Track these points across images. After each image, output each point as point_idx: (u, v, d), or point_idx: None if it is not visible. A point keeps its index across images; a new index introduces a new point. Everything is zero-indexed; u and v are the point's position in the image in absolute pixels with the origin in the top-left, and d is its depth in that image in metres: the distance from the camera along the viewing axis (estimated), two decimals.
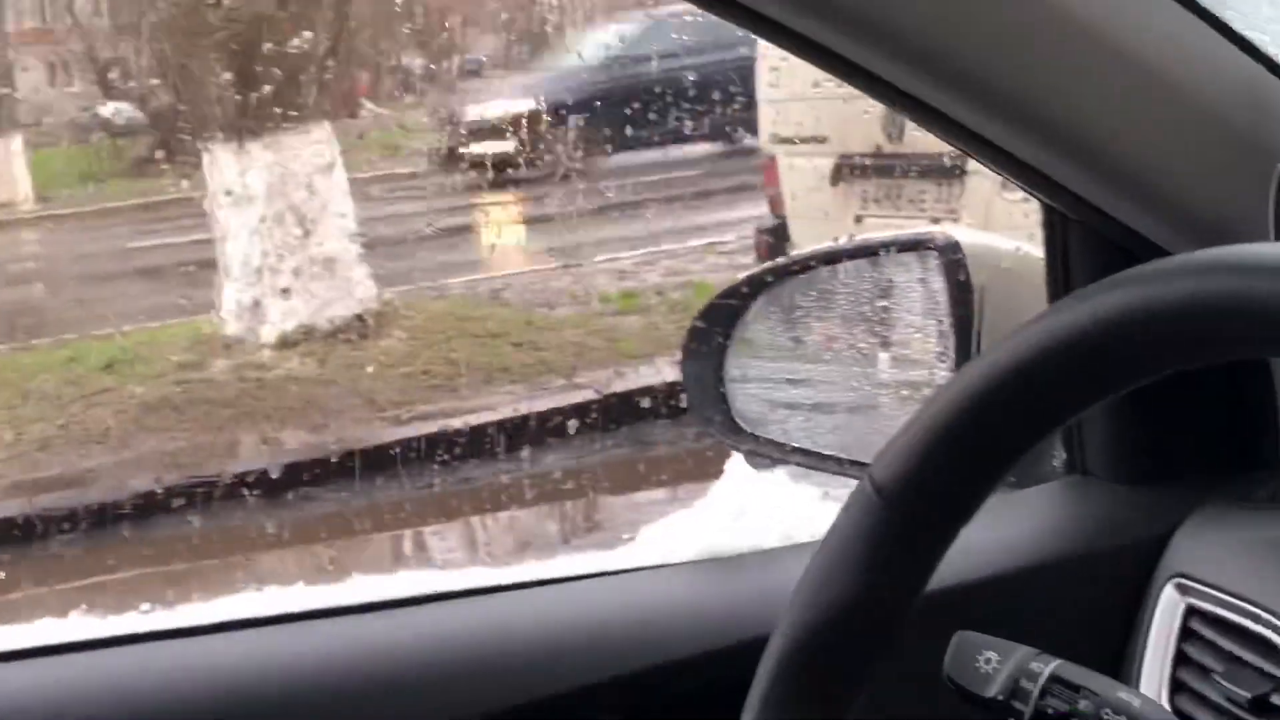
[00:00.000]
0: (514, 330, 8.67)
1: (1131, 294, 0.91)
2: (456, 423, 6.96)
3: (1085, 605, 1.48)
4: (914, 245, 1.65)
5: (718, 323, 1.73)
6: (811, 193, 7.13)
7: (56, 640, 1.38)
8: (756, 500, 1.50)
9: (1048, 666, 1.05)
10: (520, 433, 6.75)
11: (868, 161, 6.85)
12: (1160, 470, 1.53)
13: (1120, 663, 1.45)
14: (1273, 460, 1.49)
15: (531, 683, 1.38)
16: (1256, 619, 1.33)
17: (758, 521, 1.49)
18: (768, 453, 1.64)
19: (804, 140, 7.32)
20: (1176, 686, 1.40)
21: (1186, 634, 1.41)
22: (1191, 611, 1.41)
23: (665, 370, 6.91)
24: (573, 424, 6.80)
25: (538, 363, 8.10)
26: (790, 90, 7.18)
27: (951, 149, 1.45)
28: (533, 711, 1.37)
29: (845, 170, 7.03)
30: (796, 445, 1.67)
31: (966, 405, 0.97)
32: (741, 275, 1.74)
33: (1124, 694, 1.04)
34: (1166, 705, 1.39)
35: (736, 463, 1.55)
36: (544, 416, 6.92)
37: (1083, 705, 1.04)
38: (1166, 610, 1.43)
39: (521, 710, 1.37)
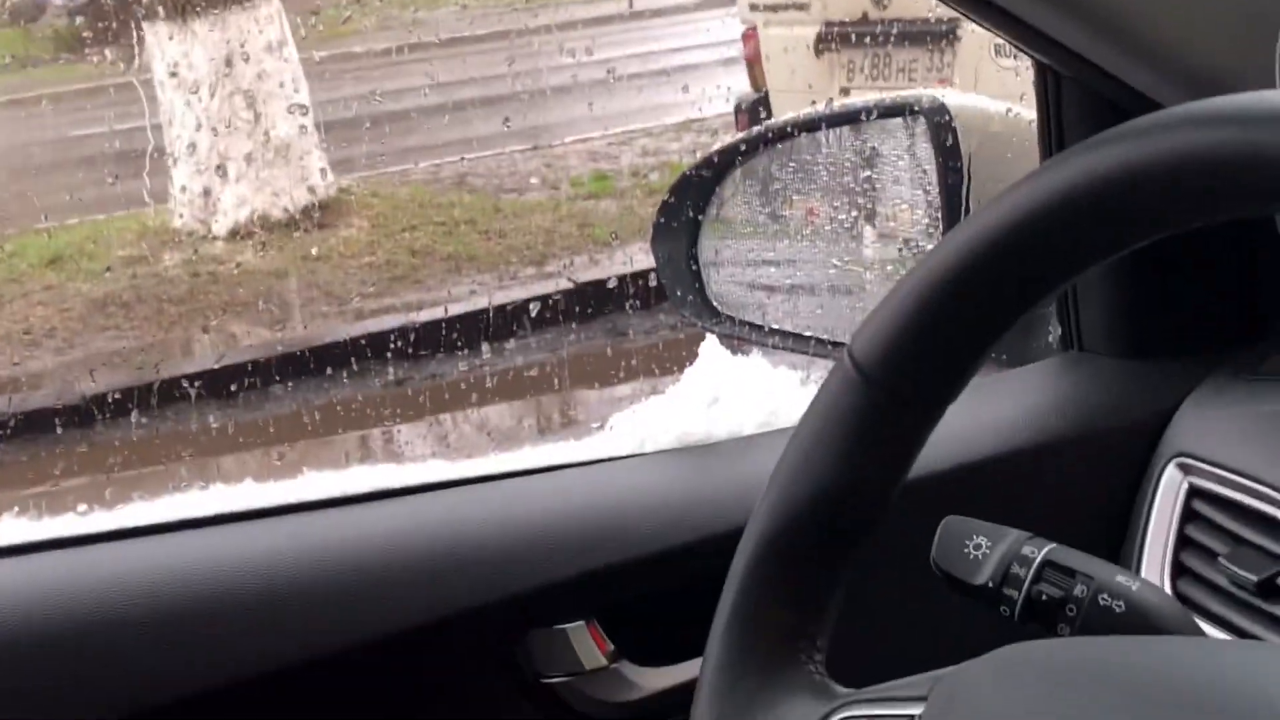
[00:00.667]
0: (481, 217, 8.63)
1: (1127, 148, 0.89)
2: (422, 315, 6.95)
3: (1082, 488, 1.48)
4: (899, 110, 1.64)
5: (690, 198, 1.72)
6: (793, 64, 7.07)
7: None
8: (732, 385, 1.49)
9: (1041, 551, 1.05)
10: (489, 324, 6.74)
11: (853, 29, 6.79)
12: (1161, 344, 1.52)
13: (1119, 547, 1.45)
14: None
15: (498, 579, 1.38)
16: (1264, 498, 1.33)
17: (734, 408, 1.48)
18: (744, 335, 1.63)
19: (783, 7, 7.27)
20: (1179, 570, 1.40)
21: (1189, 515, 1.41)
22: (1194, 492, 1.41)
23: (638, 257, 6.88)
24: (545, 314, 6.80)
25: (506, 250, 8.07)
26: None
27: (942, 9, 1.43)
28: (500, 609, 1.38)
29: (829, 39, 6.97)
30: (775, 327, 1.66)
31: (951, 274, 0.96)
32: (714, 146, 1.72)
33: (1122, 578, 1.04)
34: (1168, 590, 1.40)
35: (711, 346, 1.53)
36: (515, 306, 6.91)
37: (1078, 590, 1.03)
38: (1168, 491, 1.42)
39: (489, 608, 1.37)
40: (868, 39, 6.75)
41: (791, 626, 1.01)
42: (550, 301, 6.97)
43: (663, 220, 1.74)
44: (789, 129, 1.70)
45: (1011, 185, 0.95)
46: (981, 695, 0.91)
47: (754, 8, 7.67)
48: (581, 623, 1.40)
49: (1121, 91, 1.38)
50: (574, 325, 6.77)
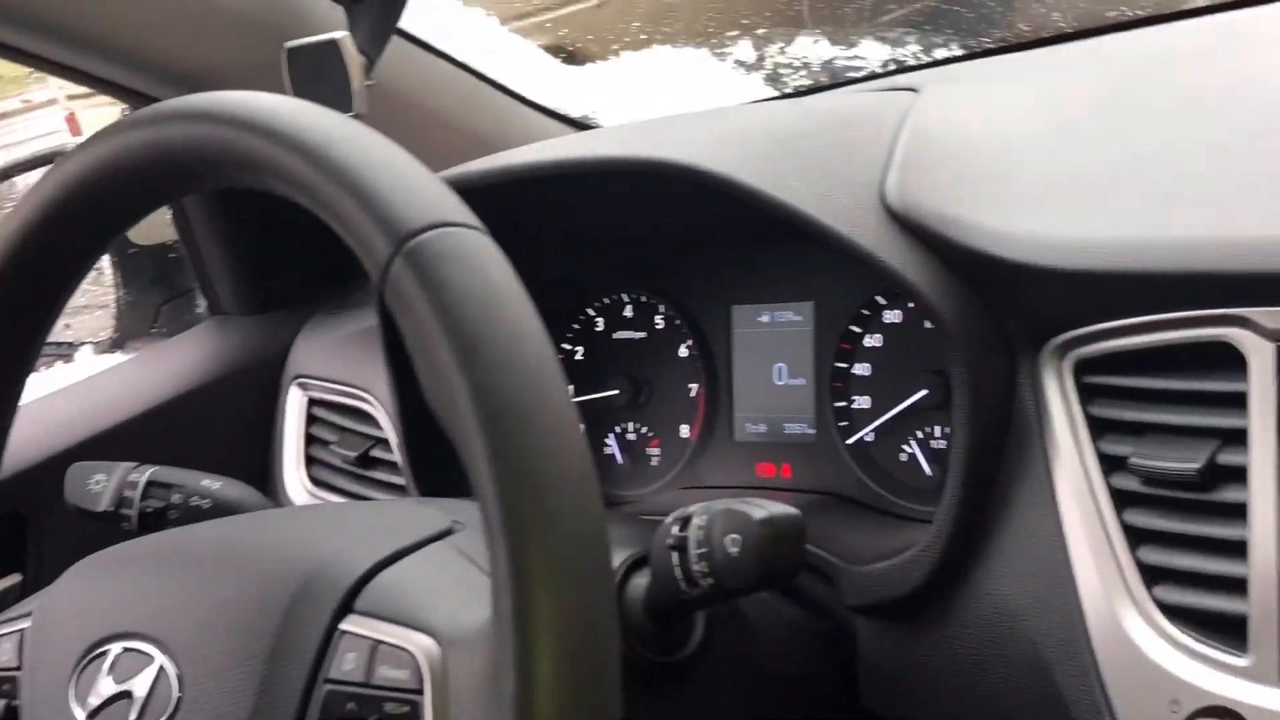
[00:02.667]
0: None
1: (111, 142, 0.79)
2: None
3: (235, 416, 1.39)
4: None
5: None
6: None
7: None
8: None
9: (145, 474, 0.96)
10: None
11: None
12: (276, 300, 1.45)
13: (268, 453, 1.38)
14: (358, 272, 1.45)
15: None
16: (354, 395, 1.30)
17: None
18: None
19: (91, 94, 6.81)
20: (310, 460, 1.35)
21: (311, 419, 1.36)
22: (313, 402, 1.36)
23: None
24: None
25: None
26: None
27: None
28: None
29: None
30: None
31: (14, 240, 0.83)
32: None
33: (206, 481, 0.97)
34: (306, 478, 1.34)
35: None
36: None
37: (175, 498, 0.96)
38: (294, 405, 1.36)
39: None
40: None
41: None
42: None
43: None
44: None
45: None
46: (62, 595, 0.81)
47: (70, 98, 7.13)
48: None
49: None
50: None
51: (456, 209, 0.66)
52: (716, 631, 0.82)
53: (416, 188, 0.67)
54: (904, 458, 1.07)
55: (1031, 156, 0.92)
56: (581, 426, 0.62)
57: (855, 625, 0.95)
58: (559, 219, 1.16)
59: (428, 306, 0.63)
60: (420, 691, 0.63)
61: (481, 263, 0.64)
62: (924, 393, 1.04)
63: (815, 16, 1.44)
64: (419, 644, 0.65)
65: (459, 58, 1.48)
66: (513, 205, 1.10)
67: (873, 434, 1.08)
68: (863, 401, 1.09)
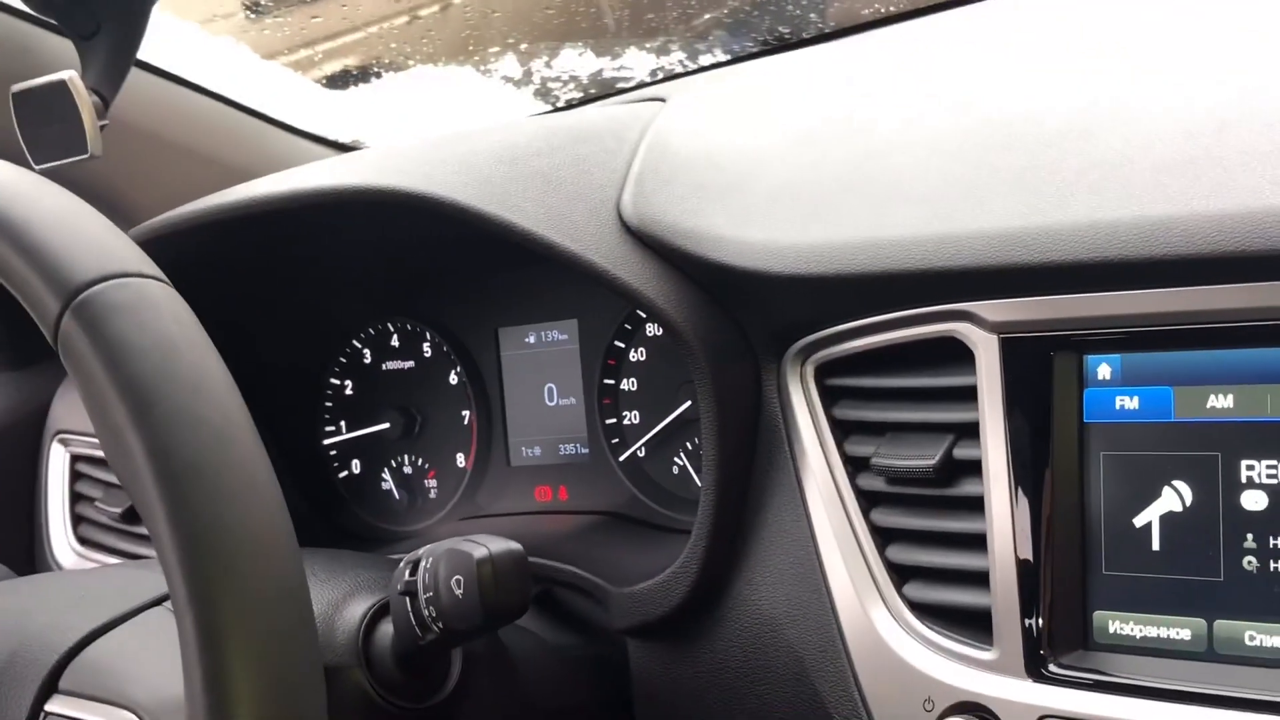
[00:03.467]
0: None
1: None
2: None
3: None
4: None
5: None
6: None
7: None
8: None
9: None
10: None
11: None
12: (34, 354, 1.38)
13: (34, 513, 1.31)
14: None
15: None
16: None
17: None
18: None
19: None
20: (78, 519, 1.28)
21: (77, 476, 1.29)
22: (76, 458, 1.29)
23: None
24: None
25: None
26: None
27: None
28: None
29: None
30: None
31: None
32: None
33: None
34: (73, 538, 1.27)
35: None
36: None
37: None
38: (56, 462, 1.29)
39: None
40: None
41: None
42: None
43: None
44: None
45: None
46: None
47: None
48: None
49: None
50: None
51: (132, 259, 0.63)
52: (475, 670, 0.80)
53: (86, 239, 0.63)
54: (676, 470, 1.06)
55: (769, 164, 0.92)
56: (274, 480, 0.59)
57: (628, 647, 0.93)
58: (312, 250, 1.12)
59: (99, 363, 0.59)
60: None
61: (157, 314, 0.61)
62: (689, 404, 1.03)
63: (578, 30, 1.43)
64: None
65: (212, 88, 1.43)
66: (257, 239, 1.06)
67: (644, 449, 1.07)
68: (632, 417, 1.08)
